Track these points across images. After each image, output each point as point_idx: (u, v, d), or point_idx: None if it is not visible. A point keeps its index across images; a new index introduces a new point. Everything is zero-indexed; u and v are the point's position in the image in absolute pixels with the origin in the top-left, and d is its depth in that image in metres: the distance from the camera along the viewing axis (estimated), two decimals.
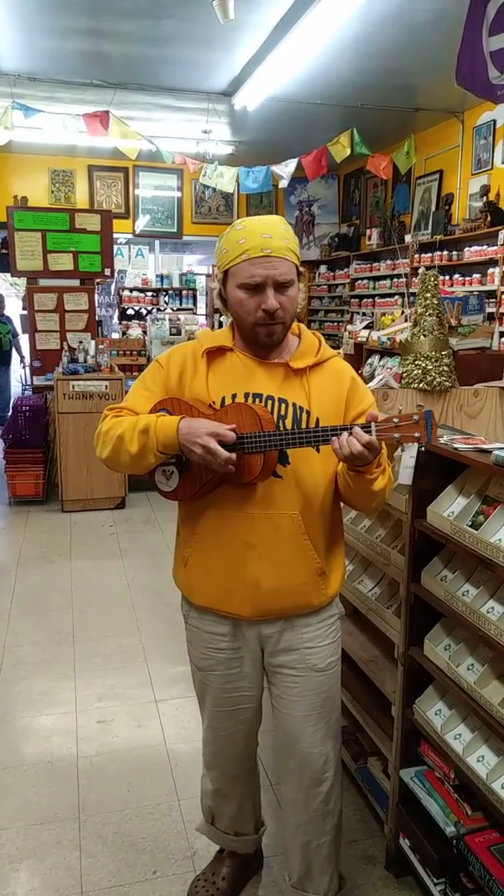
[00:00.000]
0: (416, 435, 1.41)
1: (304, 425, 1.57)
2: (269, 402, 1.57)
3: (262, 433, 1.47)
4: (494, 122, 6.37)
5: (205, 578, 1.67)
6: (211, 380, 1.60)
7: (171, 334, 6.48)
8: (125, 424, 1.55)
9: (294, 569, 1.61)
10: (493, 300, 5.73)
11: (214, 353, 1.63)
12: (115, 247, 7.98)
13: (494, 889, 1.66)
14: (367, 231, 8.60)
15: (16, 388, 9.84)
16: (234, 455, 1.46)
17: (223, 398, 1.58)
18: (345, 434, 1.43)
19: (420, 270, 2.47)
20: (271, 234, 1.51)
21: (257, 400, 1.57)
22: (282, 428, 1.55)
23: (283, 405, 1.57)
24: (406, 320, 3.62)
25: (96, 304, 6.83)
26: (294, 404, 1.58)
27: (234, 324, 1.63)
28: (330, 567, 1.68)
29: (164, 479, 1.60)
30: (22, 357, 9.44)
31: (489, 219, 6.13)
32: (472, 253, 6.39)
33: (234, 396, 1.57)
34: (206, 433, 1.45)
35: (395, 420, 1.42)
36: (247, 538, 1.59)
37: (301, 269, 1.60)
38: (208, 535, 1.63)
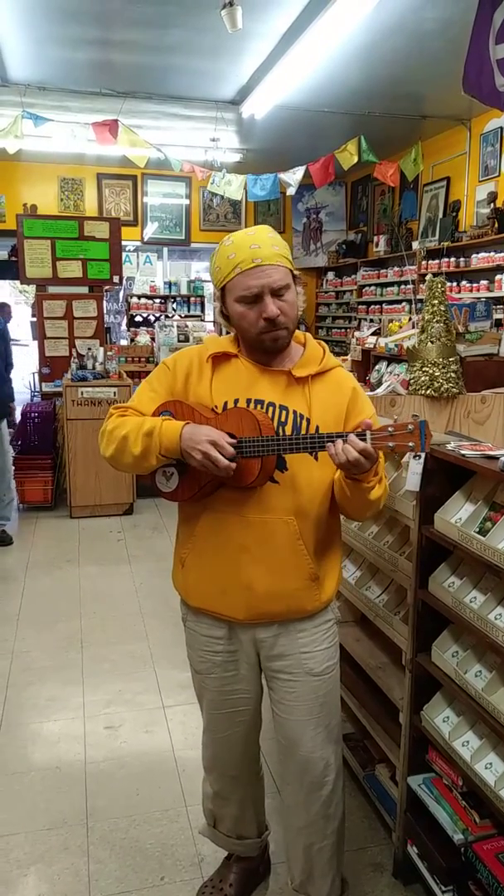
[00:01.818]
0: (411, 444, 1.42)
1: (303, 433, 1.58)
2: (270, 408, 1.59)
3: (260, 438, 1.49)
4: (502, 129, 6.38)
5: (200, 579, 1.69)
6: (215, 384, 1.62)
7: (179, 341, 6.51)
8: (130, 425, 1.57)
9: (287, 573, 1.62)
10: (501, 307, 5.72)
11: (219, 359, 1.65)
12: (124, 254, 8.04)
13: None
14: (375, 238, 8.62)
15: (25, 395, 9.92)
16: (233, 464, 1.48)
17: (225, 403, 1.59)
18: (340, 441, 1.44)
19: (427, 277, 2.48)
20: (259, 243, 1.53)
21: (258, 406, 1.58)
22: (281, 434, 1.56)
23: (284, 412, 1.59)
24: (413, 327, 3.63)
25: (105, 311, 6.87)
26: (294, 412, 1.59)
27: (238, 335, 1.65)
28: (324, 573, 1.69)
29: (164, 480, 1.62)
30: None
31: (496, 225, 6.13)
32: (479, 259, 6.39)
33: (236, 402, 1.59)
34: (206, 440, 1.47)
35: (389, 429, 1.43)
36: (242, 541, 1.60)
37: (296, 273, 1.61)
38: (205, 536, 1.65)
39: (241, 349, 1.66)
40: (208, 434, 1.48)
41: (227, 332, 1.72)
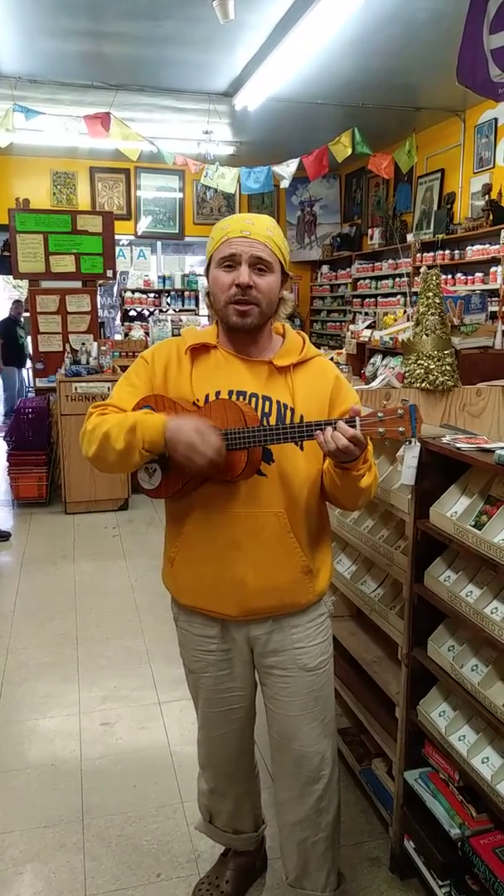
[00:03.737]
0: (401, 429, 1.39)
1: (287, 422, 1.55)
2: (253, 399, 1.56)
3: (245, 429, 1.46)
4: (496, 120, 6.36)
5: (191, 578, 1.66)
6: (195, 377, 1.59)
7: (173, 335, 6.49)
8: (111, 422, 1.53)
9: (280, 567, 1.60)
10: (496, 299, 5.72)
11: (198, 351, 1.62)
12: (117, 248, 8.00)
13: (499, 891, 1.65)
14: (369, 230, 8.60)
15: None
16: (217, 456, 1.43)
17: (207, 396, 1.56)
18: (329, 428, 1.42)
19: (422, 270, 2.46)
20: (253, 221, 1.54)
21: (241, 397, 1.55)
22: (265, 425, 1.54)
23: (267, 402, 1.57)
24: (408, 320, 3.62)
25: (98, 306, 6.84)
26: (278, 402, 1.57)
27: (216, 315, 1.62)
28: (317, 565, 1.67)
29: (147, 477, 1.58)
30: None
31: (491, 217, 6.12)
32: (474, 252, 6.38)
33: (217, 394, 1.56)
34: (192, 430, 1.43)
35: (379, 414, 1.41)
36: (232, 537, 1.58)
37: (290, 274, 1.60)
38: (194, 534, 1.63)
39: (221, 340, 1.63)
40: (194, 424, 1.44)
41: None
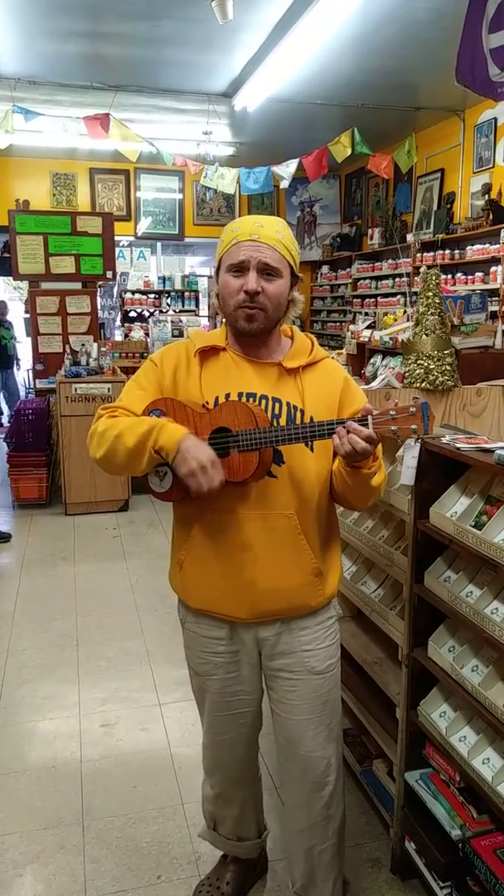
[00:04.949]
0: (413, 427, 1.40)
1: (298, 423, 1.56)
2: (263, 401, 1.56)
3: (257, 430, 1.46)
4: (495, 119, 6.35)
5: (200, 581, 1.65)
6: (204, 379, 1.59)
7: (173, 336, 6.49)
8: (124, 424, 1.53)
9: (290, 569, 1.60)
10: (496, 299, 5.71)
11: (207, 353, 1.61)
12: (117, 249, 8.00)
13: (501, 893, 1.65)
14: (369, 231, 8.59)
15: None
16: (218, 485, 1.45)
17: (216, 398, 1.56)
18: (343, 431, 1.42)
19: (422, 269, 2.46)
20: (263, 224, 1.54)
21: (251, 399, 1.55)
22: (276, 426, 1.54)
23: (277, 404, 1.56)
24: (408, 320, 3.61)
25: (98, 307, 6.84)
26: (288, 403, 1.57)
27: (225, 319, 1.62)
28: (327, 567, 1.67)
29: (158, 481, 1.58)
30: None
31: (491, 217, 6.11)
32: (474, 251, 6.38)
33: (227, 396, 1.56)
34: (207, 456, 1.44)
35: (391, 412, 1.41)
36: (242, 539, 1.57)
37: (300, 275, 1.60)
38: (203, 537, 1.62)
39: (230, 342, 1.63)
40: (212, 455, 1.45)
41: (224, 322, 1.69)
